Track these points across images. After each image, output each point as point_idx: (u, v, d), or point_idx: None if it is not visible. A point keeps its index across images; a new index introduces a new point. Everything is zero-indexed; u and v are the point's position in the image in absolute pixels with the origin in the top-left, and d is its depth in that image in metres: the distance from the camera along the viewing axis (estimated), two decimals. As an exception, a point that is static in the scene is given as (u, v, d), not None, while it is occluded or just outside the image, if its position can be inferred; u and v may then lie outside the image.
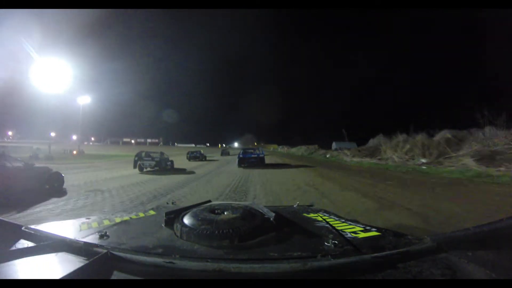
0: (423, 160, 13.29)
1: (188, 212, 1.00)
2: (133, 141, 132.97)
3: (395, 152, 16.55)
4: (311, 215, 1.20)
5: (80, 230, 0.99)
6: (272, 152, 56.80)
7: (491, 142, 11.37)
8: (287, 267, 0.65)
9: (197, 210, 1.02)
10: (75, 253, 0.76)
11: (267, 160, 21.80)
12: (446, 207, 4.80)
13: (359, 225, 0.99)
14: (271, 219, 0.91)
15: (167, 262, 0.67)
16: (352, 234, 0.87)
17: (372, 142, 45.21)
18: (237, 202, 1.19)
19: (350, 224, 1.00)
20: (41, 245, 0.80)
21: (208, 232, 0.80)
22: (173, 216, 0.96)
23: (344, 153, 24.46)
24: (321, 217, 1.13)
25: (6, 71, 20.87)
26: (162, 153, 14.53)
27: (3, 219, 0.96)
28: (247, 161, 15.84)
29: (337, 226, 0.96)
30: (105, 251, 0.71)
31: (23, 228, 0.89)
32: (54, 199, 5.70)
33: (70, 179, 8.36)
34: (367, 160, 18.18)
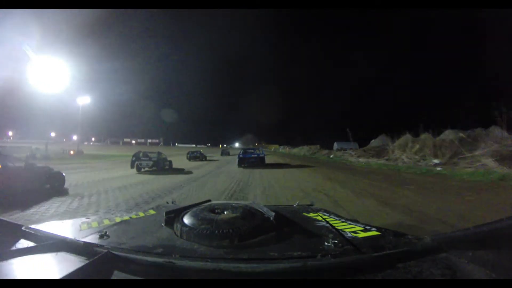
0: (436, 161, 12.58)
1: (188, 211, 0.99)
2: (133, 141, 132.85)
3: (403, 152, 15.84)
4: (311, 214, 1.19)
5: (80, 230, 0.98)
6: (273, 153, 55.82)
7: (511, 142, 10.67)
8: (287, 266, 0.66)
9: (197, 209, 1.01)
10: (75, 253, 0.76)
11: (269, 160, 21.30)
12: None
13: (359, 224, 0.98)
14: (271, 218, 0.90)
15: (167, 262, 0.68)
16: (352, 233, 0.86)
17: (374, 142, 44.69)
18: (237, 202, 1.18)
19: (350, 224, 0.99)
20: (41, 245, 0.80)
21: (208, 231, 0.80)
22: (173, 216, 0.95)
23: (349, 154, 23.74)
24: (321, 216, 1.12)
25: (6, 71, 20.86)
26: (159, 153, 14.37)
27: (3, 218, 0.98)
28: (247, 161, 15.77)
29: (337, 226, 0.95)
30: (105, 251, 0.71)
31: (23, 228, 0.89)
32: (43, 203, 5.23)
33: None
34: (374, 160, 17.41)
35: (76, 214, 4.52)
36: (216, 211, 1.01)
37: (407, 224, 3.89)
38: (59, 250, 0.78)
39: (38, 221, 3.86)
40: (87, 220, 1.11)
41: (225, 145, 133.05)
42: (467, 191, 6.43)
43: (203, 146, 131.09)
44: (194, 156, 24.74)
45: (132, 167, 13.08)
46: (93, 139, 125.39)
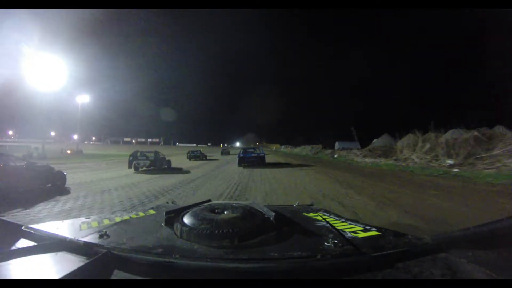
0: (450, 162, 11.82)
1: (188, 211, 0.98)
2: (134, 141, 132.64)
3: (413, 152, 15.10)
4: (311, 214, 1.19)
5: (80, 229, 0.98)
6: (275, 152, 54.56)
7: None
8: (287, 266, 0.66)
9: (197, 209, 1.01)
10: (75, 253, 0.76)
11: (270, 160, 21.07)
12: None
13: (359, 224, 0.97)
14: (271, 218, 0.90)
15: (167, 262, 0.67)
16: (352, 233, 0.86)
17: (377, 141, 44.08)
18: (237, 202, 1.18)
19: (350, 224, 0.99)
20: (41, 244, 0.80)
21: (208, 231, 0.79)
22: (173, 216, 0.95)
23: (354, 153, 22.98)
24: (321, 216, 1.12)
25: (6, 71, 20.86)
26: (157, 153, 14.28)
27: (3, 218, 0.99)
28: (247, 160, 15.72)
29: (337, 226, 0.95)
30: (105, 250, 0.71)
31: (23, 228, 0.89)
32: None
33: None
34: (382, 161, 16.61)
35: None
36: (216, 211, 1.00)
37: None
38: (59, 250, 0.78)
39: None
40: (87, 220, 1.10)
41: (226, 145, 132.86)
42: (502, 197, 5.72)
43: (203, 145, 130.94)
44: (194, 156, 24.78)
45: (129, 167, 13.00)
46: (93, 138, 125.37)
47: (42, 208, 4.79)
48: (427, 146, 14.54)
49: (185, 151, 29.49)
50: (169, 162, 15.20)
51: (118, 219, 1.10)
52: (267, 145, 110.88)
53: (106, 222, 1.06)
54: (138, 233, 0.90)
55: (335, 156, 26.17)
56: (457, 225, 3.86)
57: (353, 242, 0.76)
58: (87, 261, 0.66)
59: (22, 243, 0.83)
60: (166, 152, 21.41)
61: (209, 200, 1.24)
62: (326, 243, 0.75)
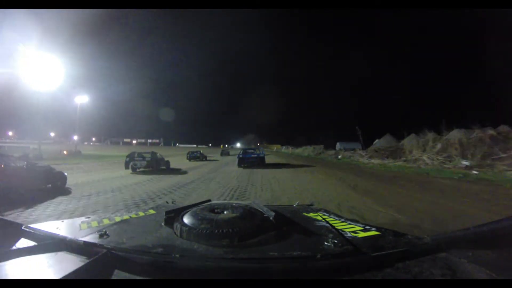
0: (466, 163, 11.14)
1: (188, 211, 0.98)
2: (134, 142, 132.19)
3: (423, 152, 14.42)
4: (311, 214, 1.18)
5: (80, 229, 0.98)
6: (276, 153, 53.44)
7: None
8: (287, 266, 0.66)
9: (197, 209, 1.00)
10: (75, 253, 0.76)
11: (272, 161, 20.66)
12: None
13: (359, 224, 0.97)
14: (271, 218, 0.89)
15: (167, 262, 0.68)
16: (352, 233, 0.86)
17: (378, 142, 43.31)
18: (237, 202, 1.17)
19: (350, 224, 0.99)
20: (41, 244, 0.80)
21: (207, 231, 0.79)
22: (173, 215, 0.95)
23: (359, 154, 22.27)
24: (321, 216, 1.11)
25: (5, 71, 20.65)
26: (153, 153, 14.15)
27: (3, 218, 1.00)
28: (247, 161, 15.71)
29: (337, 226, 0.95)
30: (105, 250, 0.71)
31: (23, 228, 0.89)
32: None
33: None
34: (390, 162, 15.82)
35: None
36: (216, 210, 1.00)
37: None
38: (59, 249, 0.77)
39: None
40: (87, 219, 1.10)
41: (226, 145, 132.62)
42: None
43: (204, 146, 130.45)
44: (194, 156, 24.67)
45: (126, 167, 12.95)
46: (93, 139, 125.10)
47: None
48: (438, 146, 13.88)
49: (185, 151, 29.38)
50: (167, 162, 15.29)
51: (118, 219, 1.10)
52: (267, 146, 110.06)
53: (106, 221, 1.06)
54: (138, 233, 0.89)
55: (339, 157, 25.22)
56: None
57: (353, 242, 0.76)
58: (87, 260, 0.67)
59: (22, 242, 0.84)
60: (166, 152, 20.85)
61: (209, 200, 1.24)
62: (326, 243, 0.74)
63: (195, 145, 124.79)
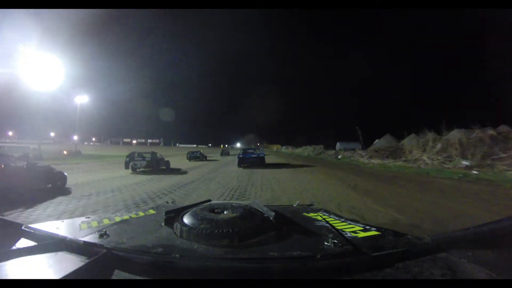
0: (466, 163, 11.13)
1: (188, 211, 0.98)
2: (134, 142, 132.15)
3: (423, 152, 14.42)
4: (311, 214, 1.18)
5: (80, 229, 0.97)
6: (276, 153, 53.05)
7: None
8: (287, 266, 0.66)
9: (197, 209, 1.00)
10: (75, 253, 0.76)
11: (272, 161, 20.57)
12: None
13: (359, 224, 0.97)
14: (271, 218, 0.89)
15: (167, 262, 0.68)
16: (352, 233, 0.86)
17: (378, 142, 43.17)
18: (237, 202, 1.18)
19: (350, 224, 0.99)
20: (41, 244, 0.80)
21: (207, 231, 0.79)
22: (173, 215, 0.94)
23: (359, 154, 22.26)
24: (321, 216, 1.11)
25: (5, 71, 20.70)
26: (153, 153, 14.19)
27: (3, 218, 1.00)
28: (247, 161, 15.73)
29: (337, 226, 0.95)
30: (105, 250, 0.70)
31: (23, 228, 0.89)
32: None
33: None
34: (390, 162, 15.74)
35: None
36: (216, 210, 1.00)
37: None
38: (59, 249, 0.77)
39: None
40: (87, 219, 1.09)
41: (226, 145, 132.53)
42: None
43: (204, 146, 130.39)
44: (194, 156, 24.68)
45: (126, 167, 12.95)
46: (93, 139, 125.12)
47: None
48: (438, 146, 13.88)
49: (185, 151, 29.40)
50: (167, 162, 15.27)
51: (118, 219, 1.09)
52: (267, 146, 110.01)
53: (106, 221, 1.06)
54: (138, 233, 0.89)
55: (339, 157, 25.20)
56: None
57: (353, 242, 0.76)
58: (87, 260, 0.67)
59: (22, 242, 0.83)
60: (166, 152, 20.82)
61: (209, 200, 1.23)
62: (326, 243, 0.74)
63: (195, 145, 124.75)
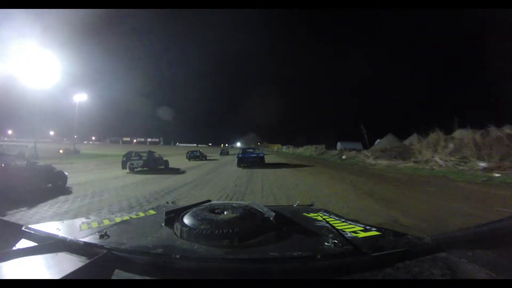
0: (483, 164, 10.39)
1: (188, 211, 0.98)
2: (135, 141, 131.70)
3: (434, 153, 13.72)
4: (311, 214, 1.18)
5: (80, 230, 0.97)
6: (277, 153, 52.01)
7: None
8: (287, 266, 0.66)
9: (197, 209, 1.00)
10: (76, 253, 0.75)
11: (273, 162, 20.21)
12: None
13: (359, 224, 0.97)
14: (271, 218, 0.89)
15: (167, 262, 0.67)
16: (352, 233, 0.85)
17: (380, 142, 42.36)
18: (237, 202, 1.17)
19: (350, 224, 0.98)
20: (41, 245, 0.80)
21: (208, 231, 0.79)
22: (173, 216, 0.94)
23: (364, 154, 21.51)
24: (321, 216, 1.11)
25: (5, 70, 20.93)
26: (150, 152, 14.38)
27: (3, 218, 1.05)
28: (247, 160, 15.55)
29: (337, 226, 0.94)
30: (105, 251, 0.70)
31: (23, 228, 0.88)
32: None
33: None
34: (399, 163, 14.68)
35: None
36: (216, 211, 0.99)
37: None
38: (59, 250, 0.77)
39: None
40: (87, 220, 1.09)
41: (226, 145, 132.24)
42: None
43: (204, 145, 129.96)
44: (194, 156, 24.50)
45: (123, 167, 12.62)
46: (93, 138, 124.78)
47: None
48: (451, 146, 13.17)
49: (185, 151, 29.29)
50: (166, 162, 14.97)
51: (118, 220, 1.09)
52: (268, 145, 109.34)
53: (106, 222, 1.05)
54: (138, 233, 0.89)
55: (343, 157, 24.47)
56: None
57: (353, 242, 0.76)
58: (87, 261, 0.67)
59: (23, 243, 0.84)
60: (166, 152, 20.35)
61: (209, 200, 1.23)
62: (326, 243, 0.74)
63: (195, 145, 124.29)
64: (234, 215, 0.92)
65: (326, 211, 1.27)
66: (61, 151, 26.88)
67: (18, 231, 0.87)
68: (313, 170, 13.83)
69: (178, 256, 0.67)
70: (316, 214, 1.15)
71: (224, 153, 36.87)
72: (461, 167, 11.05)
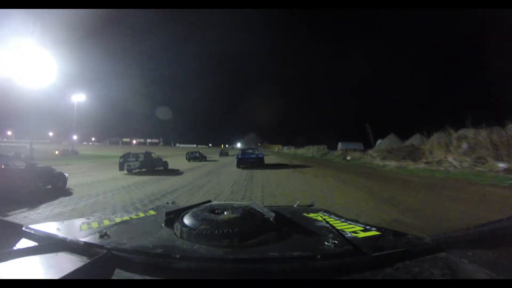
0: (503, 165, 9.73)
1: (188, 212, 0.98)
2: (134, 141, 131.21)
3: (446, 153, 13.09)
4: (311, 214, 1.18)
5: (80, 230, 0.97)
6: (277, 153, 51.20)
7: None
8: (287, 267, 0.66)
9: (197, 210, 1.00)
10: (76, 253, 0.75)
11: (275, 162, 19.90)
12: None
13: (359, 224, 0.97)
14: (271, 219, 0.89)
15: (167, 262, 0.67)
16: (352, 233, 0.85)
17: (382, 142, 41.68)
18: (237, 202, 1.18)
19: (350, 224, 0.98)
20: (42, 245, 0.80)
21: (208, 232, 0.79)
22: (173, 216, 0.94)
23: (370, 155, 20.88)
24: (321, 216, 1.11)
25: (4, 70, 20.75)
26: (147, 153, 13.70)
27: (3, 219, 1.02)
28: (246, 161, 15.42)
29: (337, 226, 0.94)
30: (105, 251, 0.70)
31: (23, 228, 0.89)
32: None
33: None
34: (410, 164, 13.72)
35: None
36: (216, 211, 0.99)
37: None
38: (60, 250, 0.77)
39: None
40: (87, 220, 1.09)
41: (227, 145, 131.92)
42: None
43: (204, 146, 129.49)
44: (194, 157, 24.43)
45: (120, 169, 12.48)
46: (93, 139, 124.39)
47: None
48: (464, 146, 12.54)
49: (185, 152, 29.07)
50: (165, 163, 14.53)
51: (118, 220, 1.09)
52: (269, 146, 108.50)
53: (106, 222, 1.05)
54: (138, 234, 0.89)
55: (348, 158, 23.88)
56: None
57: (353, 242, 0.76)
58: (87, 261, 0.66)
59: (23, 243, 0.83)
60: (166, 152, 19.90)
61: (209, 201, 1.23)
62: (326, 243, 0.74)
63: (195, 145, 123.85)
64: (234, 215, 0.92)
65: (326, 211, 1.27)
66: (56, 152, 26.39)
67: (18, 231, 0.87)
68: (319, 173, 12.70)
69: (178, 256, 0.67)
70: (316, 214, 1.16)
71: (224, 154, 37.18)
72: (478, 168, 10.39)
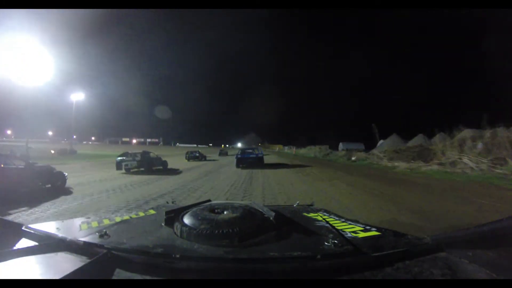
0: (523, 166, 9.18)
1: (188, 211, 0.98)
2: (134, 141, 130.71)
3: (461, 153, 12.45)
4: (311, 214, 1.18)
5: (80, 229, 0.98)
6: (278, 153, 50.09)
7: None
8: (287, 266, 0.66)
9: (197, 209, 1.00)
10: (76, 253, 0.76)
11: (276, 162, 19.75)
12: None
13: (359, 224, 0.97)
14: (271, 218, 0.89)
15: (167, 262, 0.68)
16: (352, 233, 0.86)
17: (384, 142, 40.92)
18: (237, 202, 1.18)
19: (350, 224, 0.98)
20: (42, 244, 0.80)
21: (208, 231, 0.79)
22: (173, 216, 0.95)
23: (377, 155, 20.25)
24: (321, 216, 1.11)
25: (5, 70, 20.85)
26: (145, 153, 13.50)
27: (3, 218, 0.99)
28: (246, 161, 15.36)
29: (337, 226, 0.94)
30: (105, 250, 0.71)
31: (23, 228, 0.89)
32: None
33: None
34: (421, 166, 12.90)
35: None
36: (216, 211, 1.00)
37: None
38: (59, 249, 0.77)
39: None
40: (87, 219, 1.10)
41: (227, 145, 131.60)
42: None
43: (204, 146, 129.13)
44: (193, 156, 24.33)
45: (118, 168, 12.33)
46: (93, 138, 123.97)
47: None
48: (480, 146, 11.90)
49: (185, 151, 28.91)
50: (165, 162, 14.22)
51: (118, 219, 1.09)
52: (269, 146, 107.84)
53: (106, 222, 1.05)
54: (138, 233, 0.89)
55: (353, 158, 23.27)
56: None
57: (353, 242, 0.76)
58: (87, 261, 0.66)
59: (23, 243, 0.83)
60: (166, 152, 19.48)
61: (209, 200, 1.24)
62: (326, 243, 0.74)
63: (195, 145, 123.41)
64: (234, 215, 0.92)
65: (326, 211, 1.27)
66: (52, 151, 25.72)
67: (18, 231, 0.87)
68: (324, 175, 11.45)
69: (178, 256, 0.67)
70: (316, 214, 1.16)
71: (223, 153, 37.50)
72: (497, 170, 9.76)
